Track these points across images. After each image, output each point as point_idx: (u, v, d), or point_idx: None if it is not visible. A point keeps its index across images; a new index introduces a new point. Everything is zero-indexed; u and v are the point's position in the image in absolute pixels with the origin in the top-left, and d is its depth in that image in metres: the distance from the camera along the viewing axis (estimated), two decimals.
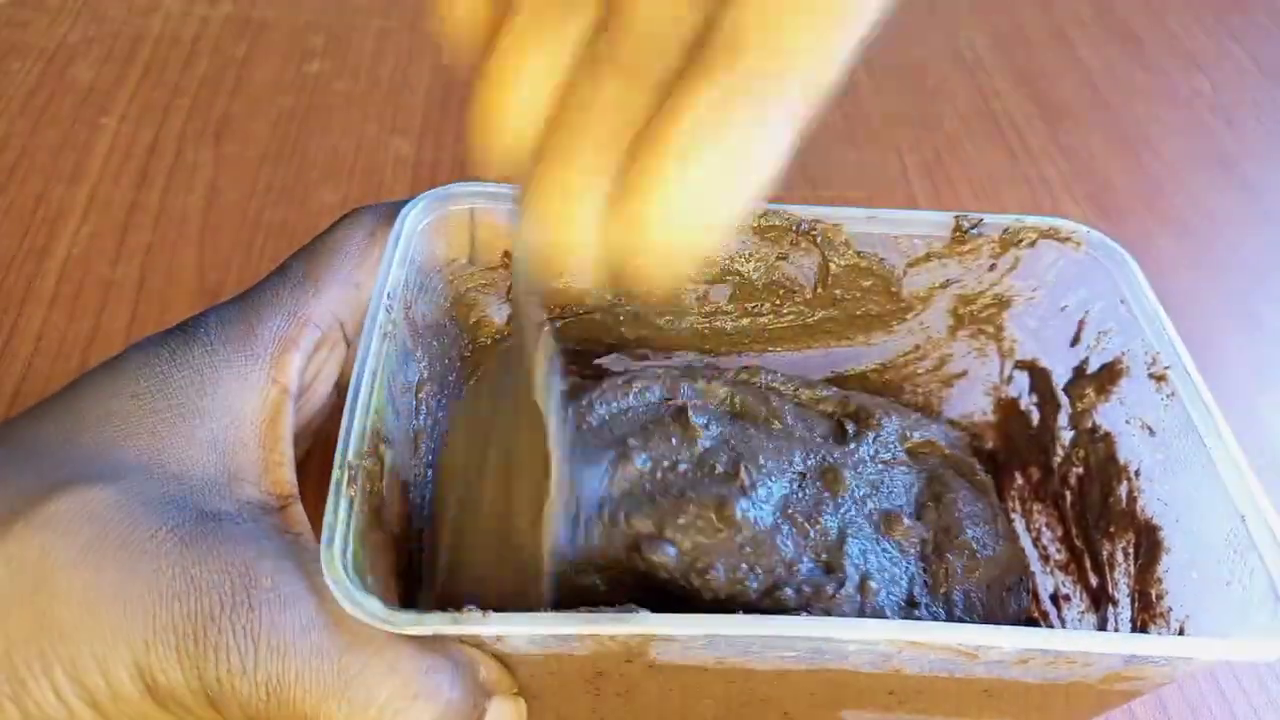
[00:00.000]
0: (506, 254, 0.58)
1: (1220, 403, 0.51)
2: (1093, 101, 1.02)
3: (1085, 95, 1.03)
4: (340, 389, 0.52)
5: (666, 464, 0.55)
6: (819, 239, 0.58)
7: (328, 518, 0.42)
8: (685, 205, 0.29)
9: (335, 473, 0.44)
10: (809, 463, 0.57)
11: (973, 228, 0.57)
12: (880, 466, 0.59)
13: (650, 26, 0.29)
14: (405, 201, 0.55)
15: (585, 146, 0.30)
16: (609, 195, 0.30)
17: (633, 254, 0.30)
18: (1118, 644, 0.43)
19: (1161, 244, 0.89)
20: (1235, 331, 0.82)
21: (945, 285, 0.60)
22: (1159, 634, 0.50)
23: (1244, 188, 0.95)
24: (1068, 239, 0.57)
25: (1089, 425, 0.57)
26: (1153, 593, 0.51)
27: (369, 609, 0.40)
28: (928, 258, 0.59)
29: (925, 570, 0.55)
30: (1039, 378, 0.61)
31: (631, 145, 0.30)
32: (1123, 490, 0.55)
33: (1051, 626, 0.58)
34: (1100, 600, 0.56)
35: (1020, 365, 0.62)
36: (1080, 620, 0.57)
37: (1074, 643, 0.42)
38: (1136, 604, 0.53)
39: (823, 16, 0.28)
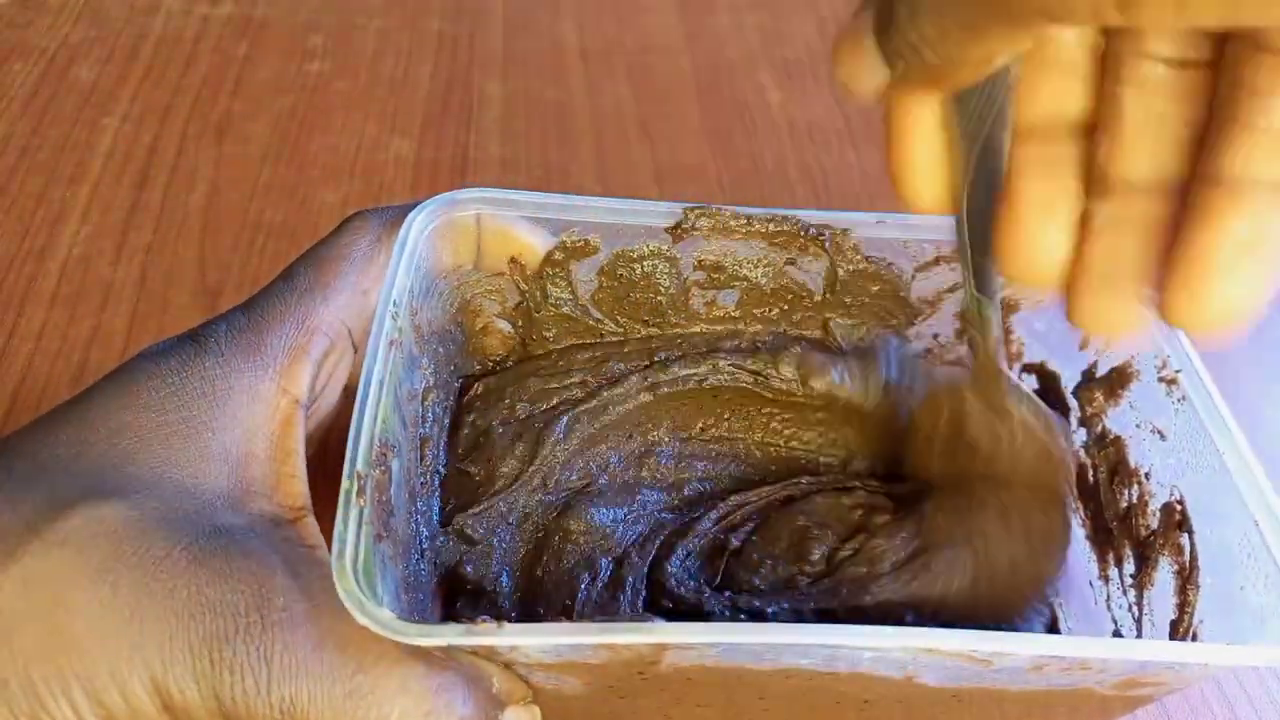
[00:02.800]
0: (513, 260, 0.58)
1: (1207, 372, 0.51)
2: None
3: None
4: (348, 394, 0.52)
5: None
6: (827, 244, 0.58)
7: (338, 529, 0.42)
8: (1228, 306, 0.35)
9: (345, 483, 0.43)
10: None
11: None
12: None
13: (1141, 133, 0.35)
14: (410, 205, 0.54)
15: (1119, 266, 0.37)
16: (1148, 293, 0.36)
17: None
18: (1133, 650, 0.43)
19: None
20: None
21: (953, 289, 0.59)
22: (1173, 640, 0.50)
23: None
24: None
25: (1099, 429, 0.57)
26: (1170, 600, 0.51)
27: (381, 620, 0.39)
28: (936, 262, 0.58)
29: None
30: (1048, 381, 0.61)
31: (1169, 257, 0.35)
32: (1133, 494, 0.54)
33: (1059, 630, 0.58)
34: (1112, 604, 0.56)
35: (1029, 368, 0.61)
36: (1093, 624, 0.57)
37: (1089, 649, 0.42)
38: (1148, 611, 0.53)
39: None
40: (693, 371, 0.60)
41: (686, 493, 0.60)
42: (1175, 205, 0.35)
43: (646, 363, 0.61)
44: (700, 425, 0.61)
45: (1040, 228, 0.38)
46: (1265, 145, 0.33)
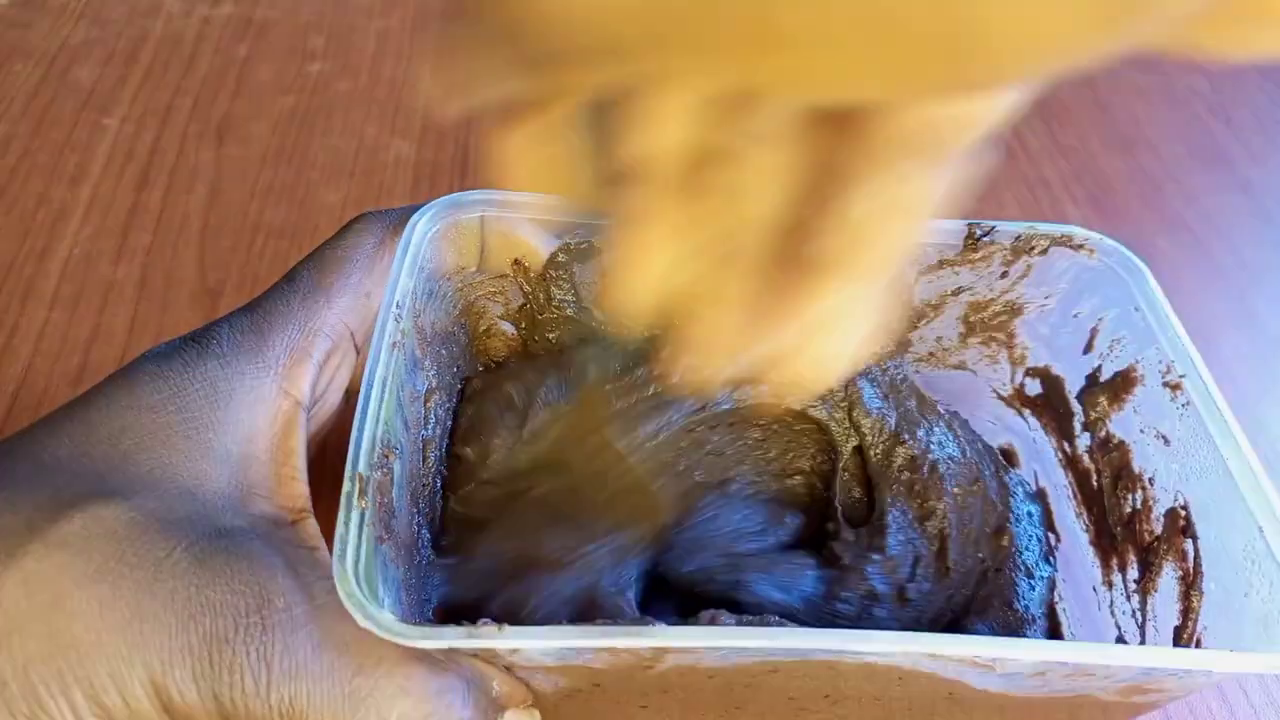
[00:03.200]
0: (516, 262, 0.58)
1: (1212, 377, 0.51)
2: (1092, 101, 1.02)
3: (1085, 95, 1.03)
4: (350, 396, 0.52)
5: None
6: None
7: (339, 530, 0.42)
8: (824, 363, 0.36)
9: (346, 485, 0.43)
10: None
11: (985, 235, 0.57)
12: None
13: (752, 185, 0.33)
14: (413, 207, 0.54)
15: (724, 322, 0.36)
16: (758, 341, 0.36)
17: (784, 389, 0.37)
18: (1137, 656, 0.43)
19: (1161, 244, 0.89)
20: (1234, 331, 0.82)
21: (957, 293, 0.60)
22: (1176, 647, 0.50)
23: (1244, 188, 0.95)
24: (1080, 246, 0.56)
25: (1103, 434, 0.57)
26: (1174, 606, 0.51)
27: (382, 622, 0.40)
28: (940, 265, 0.58)
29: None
30: (1052, 385, 0.61)
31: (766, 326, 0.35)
32: (1137, 500, 0.54)
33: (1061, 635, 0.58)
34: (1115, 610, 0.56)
35: (1032, 373, 0.62)
36: (1096, 630, 0.57)
37: (1091, 655, 0.42)
38: (1152, 617, 0.53)
39: (899, 232, 0.33)
40: None
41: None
42: (777, 260, 0.34)
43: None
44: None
45: (641, 270, 0.35)
46: (833, 231, 0.32)
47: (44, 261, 0.78)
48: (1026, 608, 0.56)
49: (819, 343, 0.35)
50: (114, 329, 0.74)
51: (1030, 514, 0.60)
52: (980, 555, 0.58)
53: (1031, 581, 0.57)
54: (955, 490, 0.59)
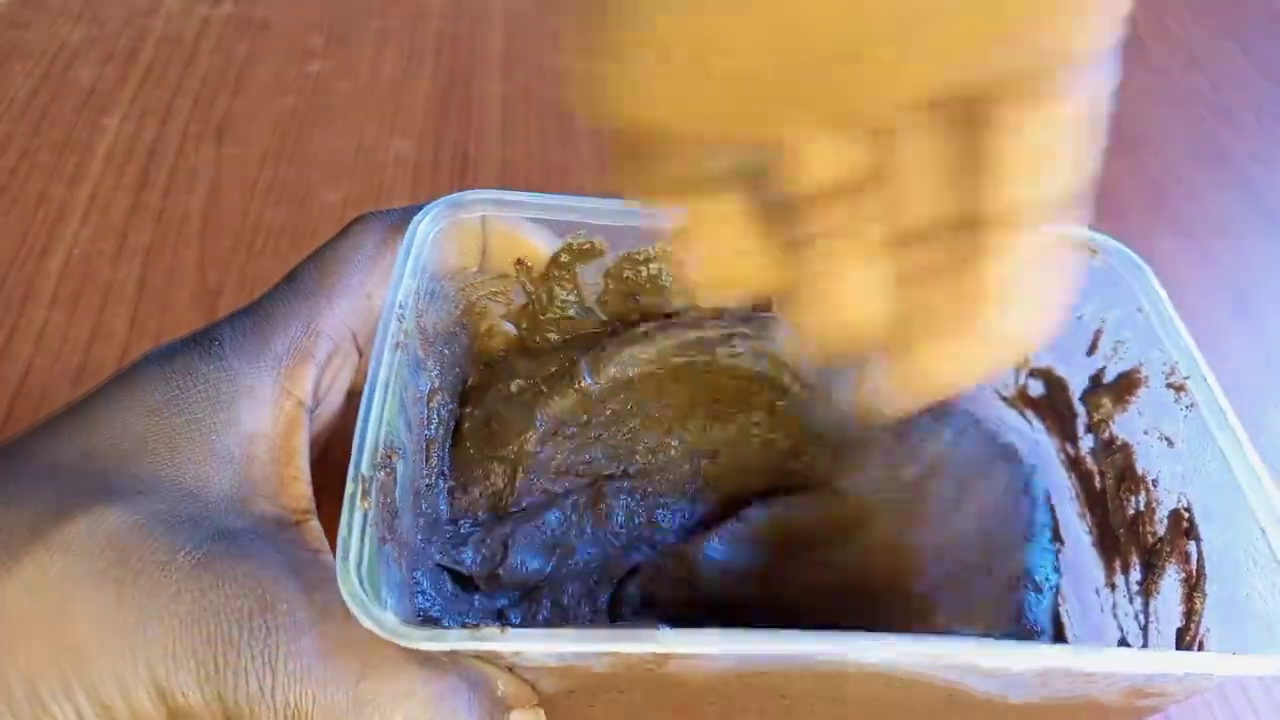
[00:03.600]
0: (519, 261, 0.58)
1: (1216, 379, 0.51)
2: None
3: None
4: (352, 397, 0.52)
5: None
6: None
7: (342, 532, 0.42)
8: (1014, 334, 0.35)
9: (349, 486, 0.43)
10: None
11: None
12: None
13: (917, 178, 0.34)
14: (415, 207, 0.54)
15: (930, 314, 0.36)
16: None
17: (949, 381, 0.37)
18: (1139, 660, 0.43)
19: (1163, 243, 0.89)
20: (1235, 331, 0.82)
21: None
22: (1177, 650, 0.50)
23: (1244, 187, 0.95)
24: (1083, 247, 0.56)
25: (1106, 435, 0.57)
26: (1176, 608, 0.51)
27: (386, 624, 0.39)
28: None
29: None
30: (1055, 386, 0.60)
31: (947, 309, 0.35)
32: (1141, 501, 0.54)
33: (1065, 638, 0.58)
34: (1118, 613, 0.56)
35: (1035, 373, 0.61)
36: (1098, 632, 0.57)
37: (1094, 660, 0.41)
38: (1154, 619, 0.53)
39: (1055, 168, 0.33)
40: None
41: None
42: (966, 247, 0.35)
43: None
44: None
45: (847, 292, 0.37)
46: (974, 294, 0.34)
47: (43, 261, 0.78)
48: (1035, 620, 0.56)
49: (1001, 316, 0.34)
50: (114, 329, 0.74)
51: (1045, 525, 0.60)
52: (991, 574, 0.57)
53: (1040, 595, 0.57)
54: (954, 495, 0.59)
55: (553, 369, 0.60)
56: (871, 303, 0.36)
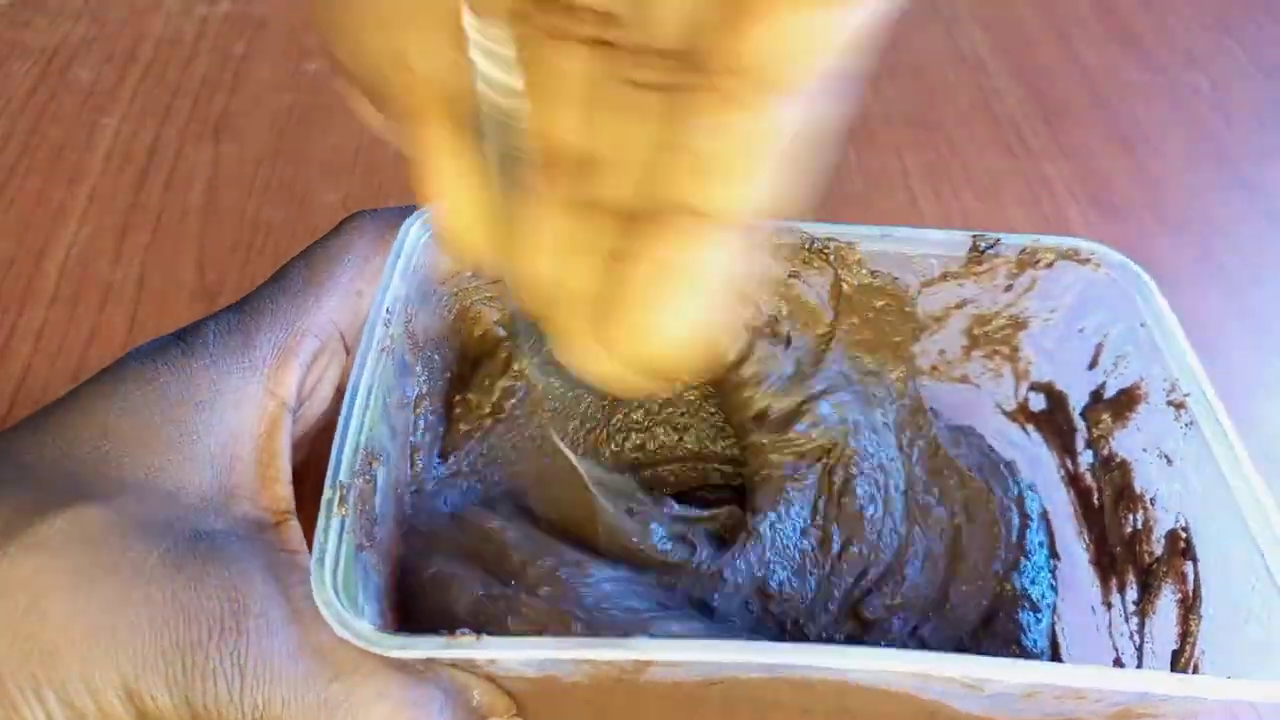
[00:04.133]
0: None
1: (1217, 397, 0.50)
2: (1093, 101, 1.02)
3: (1085, 95, 1.03)
4: (340, 395, 0.52)
5: None
6: (831, 257, 0.58)
7: (318, 538, 0.42)
8: (657, 332, 0.32)
9: (326, 492, 0.44)
10: None
11: (989, 248, 0.56)
12: None
13: (613, 157, 0.32)
14: (409, 207, 0.54)
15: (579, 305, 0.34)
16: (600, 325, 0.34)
17: (625, 373, 0.34)
18: (1130, 681, 0.43)
19: (1162, 243, 0.88)
20: (1235, 331, 0.82)
21: (960, 305, 0.59)
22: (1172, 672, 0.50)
23: (1244, 187, 0.95)
24: (1086, 260, 0.56)
25: (1105, 452, 0.57)
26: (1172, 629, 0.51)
27: (359, 632, 0.40)
28: (943, 277, 0.58)
29: None
30: (1055, 401, 0.60)
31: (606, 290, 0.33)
32: (1138, 520, 0.54)
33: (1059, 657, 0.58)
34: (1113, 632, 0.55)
35: (1036, 387, 0.61)
36: (1093, 651, 0.56)
37: (1083, 678, 0.41)
38: (1150, 639, 0.52)
39: (745, 170, 0.30)
40: None
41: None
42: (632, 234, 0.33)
43: None
44: None
45: (535, 261, 0.35)
46: (687, 167, 0.30)
47: (42, 260, 0.78)
48: (1035, 643, 0.56)
49: (652, 304, 0.32)
50: (112, 328, 0.74)
51: (1042, 544, 0.60)
52: (983, 598, 0.58)
53: (1038, 615, 0.57)
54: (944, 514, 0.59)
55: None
56: (552, 258, 0.34)
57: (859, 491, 0.58)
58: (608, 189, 0.32)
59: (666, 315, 0.32)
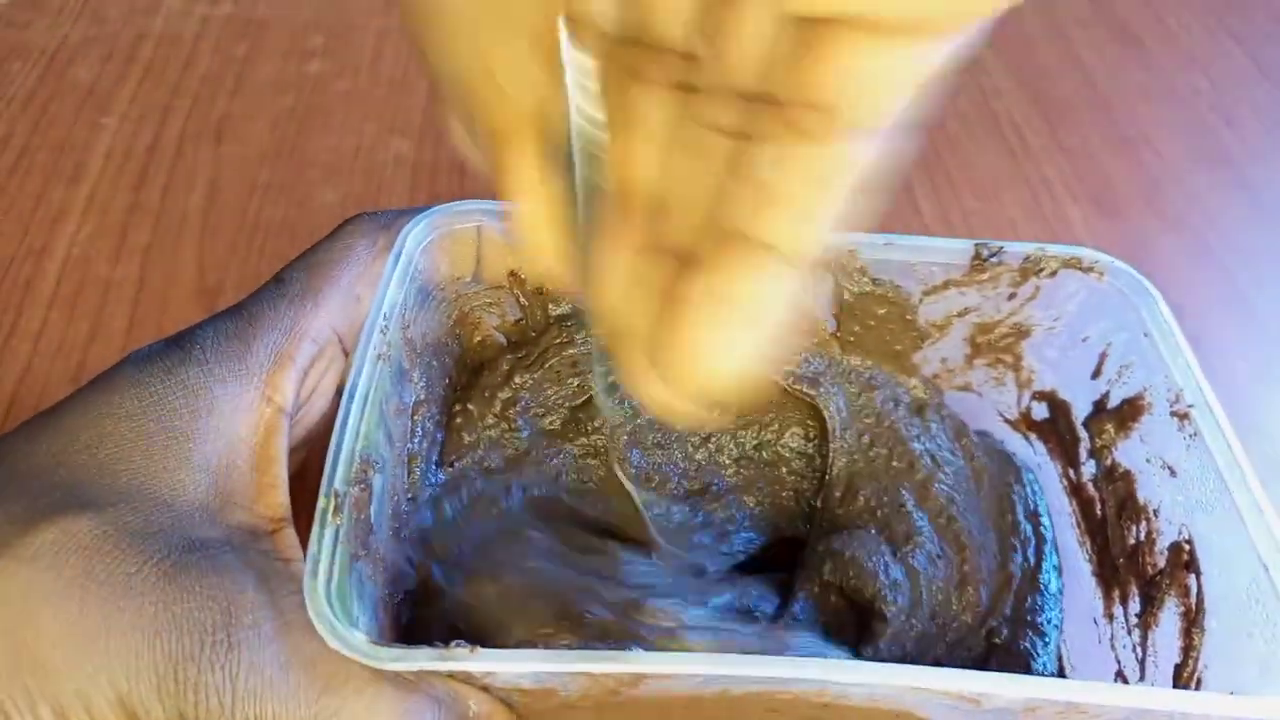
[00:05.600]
0: (512, 273, 0.57)
1: (1219, 401, 0.50)
2: (1093, 101, 1.02)
3: (1085, 95, 1.03)
4: (339, 399, 0.52)
5: None
6: (832, 265, 0.57)
7: (312, 548, 0.42)
8: (711, 361, 0.33)
9: (320, 501, 0.43)
10: None
11: (992, 256, 0.56)
12: None
13: (682, 196, 0.33)
14: (409, 211, 0.54)
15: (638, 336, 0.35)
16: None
17: (679, 402, 0.35)
18: (1132, 697, 0.42)
19: (1161, 243, 0.89)
20: (1235, 330, 0.82)
21: (963, 313, 0.59)
22: (1174, 686, 0.49)
23: (1244, 187, 0.95)
24: (1090, 269, 0.56)
25: (1109, 462, 0.57)
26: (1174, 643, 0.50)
27: (353, 644, 0.40)
28: (945, 286, 0.58)
29: None
30: (1059, 410, 0.60)
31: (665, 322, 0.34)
32: (1141, 531, 0.54)
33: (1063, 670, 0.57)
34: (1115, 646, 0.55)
35: (1039, 396, 0.61)
36: (1095, 663, 0.56)
37: (1085, 693, 0.41)
38: (1152, 652, 0.52)
39: (812, 203, 0.31)
40: None
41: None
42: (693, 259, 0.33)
43: None
44: None
45: (603, 293, 0.36)
46: (753, 199, 0.31)
47: (43, 261, 0.78)
48: (1044, 666, 0.55)
49: (708, 334, 0.33)
50: (113, 329, 0.74)
51: (1056, 567, 0.59)
52: (991, 624, 0.57)
53: (1045, 639, 0.56)
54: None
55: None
56: (618, 292, 0.35)
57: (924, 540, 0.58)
58: (675, 228, 0.33)
59: (722, 346, 0.33)
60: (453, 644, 0.40)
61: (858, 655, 0.53)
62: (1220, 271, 0.87)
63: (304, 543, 0.45)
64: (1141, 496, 0.54)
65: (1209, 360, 0.52)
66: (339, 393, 0.52)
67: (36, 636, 0.40)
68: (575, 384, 0.60)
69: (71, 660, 0.40)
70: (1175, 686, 0.49)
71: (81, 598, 0.41)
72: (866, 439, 0.60)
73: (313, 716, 0.41)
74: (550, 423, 0.60)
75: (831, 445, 0.60)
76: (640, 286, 0.34)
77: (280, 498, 0.48)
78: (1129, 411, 0.55)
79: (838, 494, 0.59)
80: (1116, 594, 0.55)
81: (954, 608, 0.56)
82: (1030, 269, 0.57)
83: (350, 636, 0.40)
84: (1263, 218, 0.92)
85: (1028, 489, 0.61)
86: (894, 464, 0.59)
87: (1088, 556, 0.58)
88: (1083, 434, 0.59)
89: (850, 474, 0.60)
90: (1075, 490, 0.59)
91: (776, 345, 0.33)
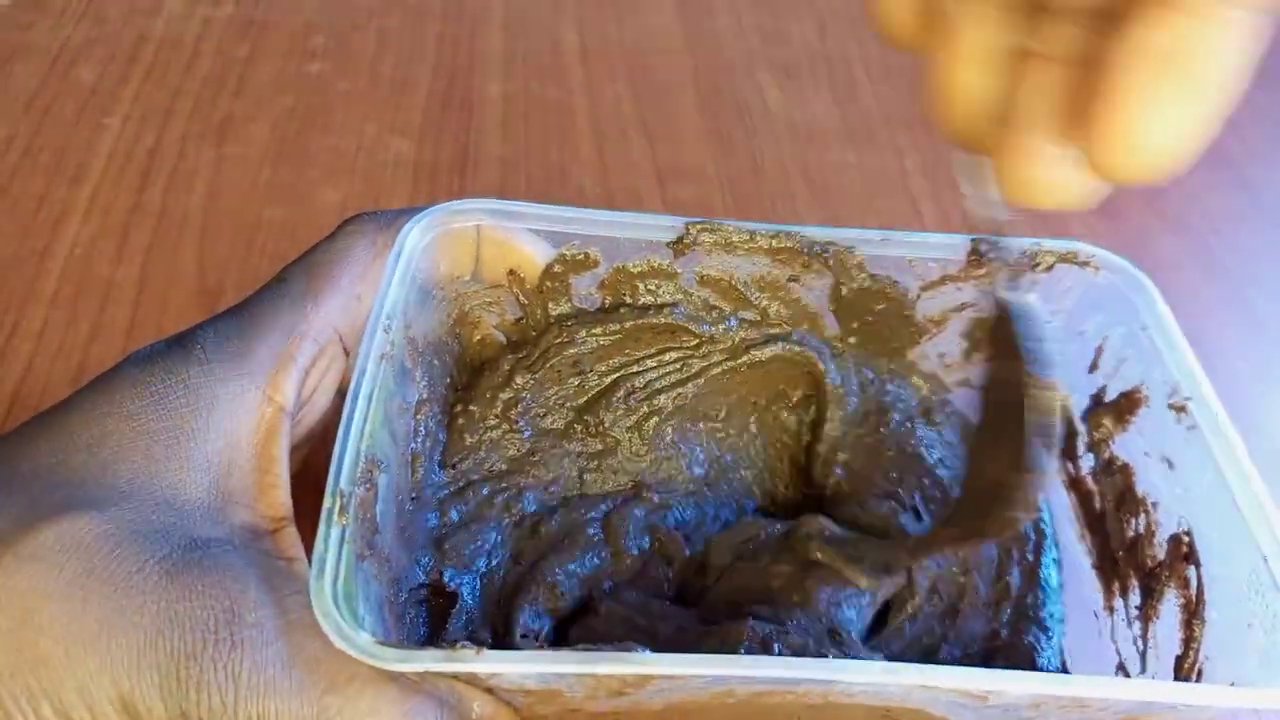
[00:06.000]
0: (512, 272, 0.57)
1: (1218, 401, 0.50)
2: None
3: None
4: (342, 395, 0.52)
5: None
6: (831, 261, 0.58)
7: (318, 548, 0.42)
8: (1149, 130, 0.30)
9: (326, 501, 0.43)
10: None
11: (989, 250, 0.56)
12: None
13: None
14: (409, 210, 0.54)
15: (1040, 114, 0.33)
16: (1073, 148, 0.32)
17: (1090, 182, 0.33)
18: (1136, 690, 0.43)
19: (1161, 244, 0.89)
20: (1235, 330, 0.82)
21: (960, 309, 0.59)
22: (1176, 678, 0.49)
23: (1244, 187, 0.95)
24: (1086, 263, 0.56)
25: (1107, 455, 0.57)
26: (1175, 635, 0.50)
27: (359, 644, 0.39)
28: (942, 281, 0.58)
29: None
30: None
31: (1092, 89, 0.31)
32: (1140, 524, 0.54)
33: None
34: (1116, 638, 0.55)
35: None
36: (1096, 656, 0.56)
37: (1090, 688, 0.41)
38: (1153, 644, 0.52)
39: None
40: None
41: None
42: (1104, 38, 0.31)
43: None
44: None
45: (969, 71, 0.34)
46: None
47: (44, 261, 0.78)
48: (1049, 661, 0.55)
49: (1148, 99, 0.30)
50: (114, 329, 0.74)
51: (1056, 561, 0.59)
52: (993, 625, 0.57)
53: (1048, 634, 0.56)
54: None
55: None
56: (984, 72, 0.34)
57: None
58: None
59: (1163, 110, 0.30)
60: (458, 645, 0.40)
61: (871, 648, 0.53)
62: (1220, 271, 0.87)
63: (305, 541, 0.45)
64: (1140, 489, 0.54)
65: (1209, 360, 0.52)
66: (340, 392, 0.52)
67: (38, 635, 0.40)
68: (576, 384, 0.60)
69: (73, 659, 0.40)
70: (1176, 678, 0.49)
71: (83, 596, 0.41)
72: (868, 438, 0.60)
73: (315, 716, 0.41)
74: (552, 422, 0.60)
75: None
76: (1033, 56, 0.33)
77: (282, 497, 0.48)
78: (1126, 405, 0.55)
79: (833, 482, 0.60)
80: (1116, 587, 0.55)
81: (959, 603, 0.56)
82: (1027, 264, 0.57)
83: (356, 637, 0.39)
84: (1263, 218, 0.93)
85: None
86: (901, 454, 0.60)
87: (1087, 550, 0.58)
88: (1081, 427, 0.59)
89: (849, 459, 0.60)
90: (1074, 484, 0.59)
91: (1221, 111, 0.31)
